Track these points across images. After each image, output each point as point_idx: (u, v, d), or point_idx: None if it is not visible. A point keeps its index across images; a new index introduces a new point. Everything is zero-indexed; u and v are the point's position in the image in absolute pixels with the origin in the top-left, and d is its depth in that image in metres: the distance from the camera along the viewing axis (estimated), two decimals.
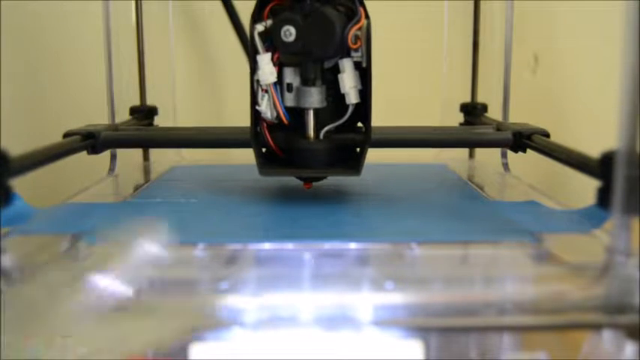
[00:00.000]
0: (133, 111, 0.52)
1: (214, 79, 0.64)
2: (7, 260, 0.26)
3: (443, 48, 0.56)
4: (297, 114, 0.37)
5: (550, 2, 0.60)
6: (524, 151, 0.41)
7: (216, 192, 0.41)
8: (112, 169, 0.48)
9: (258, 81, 0.36)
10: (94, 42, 0.51)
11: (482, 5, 0.54)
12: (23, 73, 0.61)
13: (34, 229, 0.32)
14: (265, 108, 0.36)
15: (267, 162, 0.38)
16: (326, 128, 0.37)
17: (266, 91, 0.36)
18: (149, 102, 0.53)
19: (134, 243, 0.26)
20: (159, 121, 0.53)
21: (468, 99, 0.54)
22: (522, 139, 0.41)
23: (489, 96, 0.53)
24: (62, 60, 0.62)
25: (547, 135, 0.40)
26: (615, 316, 0.25)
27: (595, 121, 0.56)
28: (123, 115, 0.50)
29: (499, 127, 0.44)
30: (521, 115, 0.49)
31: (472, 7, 0.54)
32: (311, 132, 0.37)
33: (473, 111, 0.53)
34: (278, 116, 0.36)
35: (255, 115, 0.37)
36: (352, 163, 0.37)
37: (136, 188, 0.44)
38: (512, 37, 0.50)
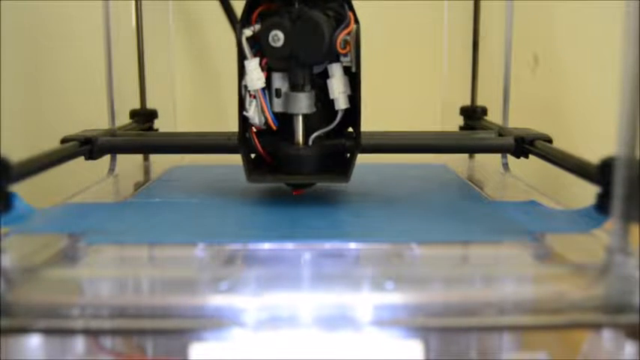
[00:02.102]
0: (134, 114, 0.52)
1: (215, 81, 0.64)
2: (7, 260, 0.26)
3: (443, 49, 0.56)
4: (285, 119, 0.36)
5: (550, 2, 0.60)
6: (527, 157, 0.40)
7: (216, 192, 0.41)
8: (112, 169, 0.48)
9: (246, 86, 0.35)
10: (95, 47, 0.51)
11: (482, 5, 0.54)
12: (22, 77, 0.61)
13: (34, 229, 0.32)
14: (253, 113, 0.36)
15: (256, 168, 0.37)
16: (315, 134, 0.37)
17: (254, 97, 0.36)
18: (149, 105, 0.53)
19: None
20: (159, 124, 0.53)
21: (467, 100, 0.54)
22: (524, 145, 0.40)
23: (488, 97, 0.53)
24: (63, 62, 0.62)
25: (549, 140, 0.40)
26: (615, 316, 0.25)
27: (594, 119, 0.57)
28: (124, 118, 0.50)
29: (501, 131, 0.44)
30: (519, 115, 0.49)
31: (472, 7, 0.54)
32: (300, 138, 0.37)
33: (473, 114, 0.52)
34: (266, 122, 0.36)
35: (244, 121, 0.36)
36: (341, 169, 0.37)
37: (136, 188, 0.44)
38: (513, 37, 0.50)
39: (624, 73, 0.24)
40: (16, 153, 0.30)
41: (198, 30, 0.63)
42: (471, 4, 0.54)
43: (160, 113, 0.53)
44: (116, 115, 0.49)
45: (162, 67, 0.57)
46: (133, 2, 0.52)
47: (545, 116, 0.59)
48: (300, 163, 0.37)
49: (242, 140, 0.37)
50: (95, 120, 0.46)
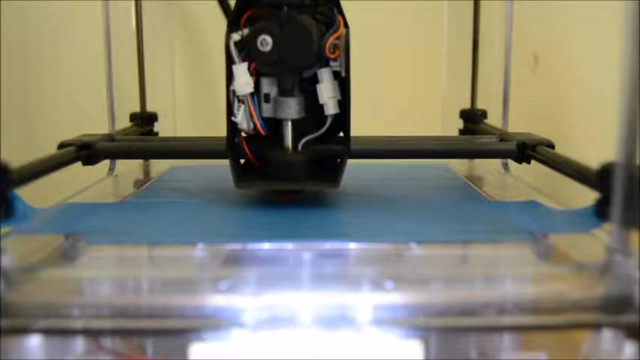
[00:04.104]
0: (134, 117, 0.52)
1: (216, 83, 0.64)
2: (7, 260, 0.26)
3: (443, 49, 0.56)
4: (275, 125, 0.36)
5: (550, 2, 0.60)
6: (529, 162, 0.40)
7: (216, 192, 0.41)
8: (111, 169, 0.48)
9: (234, 91, 0.35)
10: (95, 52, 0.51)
11: (482, 5, 0.53)
12: (21, 79, 0.61)
13: (34, 229, 0.32)
14: (241, 119, 0.35)
15: (245, 173, 0.37)
16: (304, 139, 0.36)
17: (242, 102, 0.35)
18: (149, 108, 0.53)
19: None
20: (159, 126, 0.53)
21: (466, 100, 0.54)
22: (526, 150, 0.40)
23: (488, 97, 0.53)
24: (62, 63, 0.62)
25: (551, 145, 0.40)
26: (615, 316, 0.25)
27: (594, 119, 0.57)
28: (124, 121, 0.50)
29: (502, 136, 0.44)
30: (519, 114, 0.49)
31: (472, 7, 0.54)
32: (289, 143, 0.36)
33: (473, 117, 0.52)
34: (255, 127, 0.36)
35: (232, 126, 0.36)
36: (331, 175, 0.36)
37: (136, 188, 0.44)
38: (512, 37, 0.50)
39: (624, 76, 0.24)
40: (15, 157, 0.30)
41: (198, 31, 0.63)
42: (471, 4, 0.54)
43: (160, 116, 0.53)
44: (115, 117, 0.49)
45: (163, 69, 0.57)
46: (133, 3, 0.52)
47: (544, 115, 0.59)
48: (290, 169, 0.36)
49: (230, 146, 0.36)
50: (95, 122, 0.46)
